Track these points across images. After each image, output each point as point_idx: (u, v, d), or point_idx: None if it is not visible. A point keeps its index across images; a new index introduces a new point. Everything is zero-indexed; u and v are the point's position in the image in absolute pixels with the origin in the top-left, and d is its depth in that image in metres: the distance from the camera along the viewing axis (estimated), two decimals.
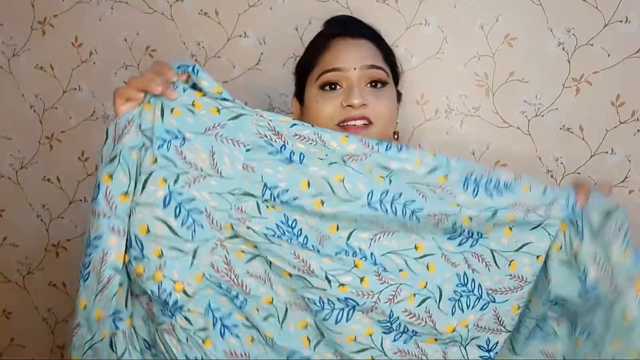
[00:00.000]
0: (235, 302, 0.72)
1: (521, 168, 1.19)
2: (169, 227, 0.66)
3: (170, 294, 0.67)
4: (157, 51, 1.22)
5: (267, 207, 0.70)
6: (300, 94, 0.90)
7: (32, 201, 1.34)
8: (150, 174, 0.65)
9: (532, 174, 1.19)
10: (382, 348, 0.74)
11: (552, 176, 1.19)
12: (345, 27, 0.88)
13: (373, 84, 0.83)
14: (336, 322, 0.72)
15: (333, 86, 0.82)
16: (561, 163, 1.19)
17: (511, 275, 0.75)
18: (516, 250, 0.75)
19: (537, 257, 0.75)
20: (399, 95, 0.93)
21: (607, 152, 1.17)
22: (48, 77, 1.27)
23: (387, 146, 0.71)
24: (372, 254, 0.73)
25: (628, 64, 1.13)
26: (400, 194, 0.72)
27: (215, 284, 0.71)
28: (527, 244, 0.75)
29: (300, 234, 0.71)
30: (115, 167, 0.64)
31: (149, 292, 0.67)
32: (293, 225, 0.71)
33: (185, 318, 0.70)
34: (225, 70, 1.21)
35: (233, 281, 0.71)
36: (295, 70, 0.94)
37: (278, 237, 0.70)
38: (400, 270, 0.74)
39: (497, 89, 1.17)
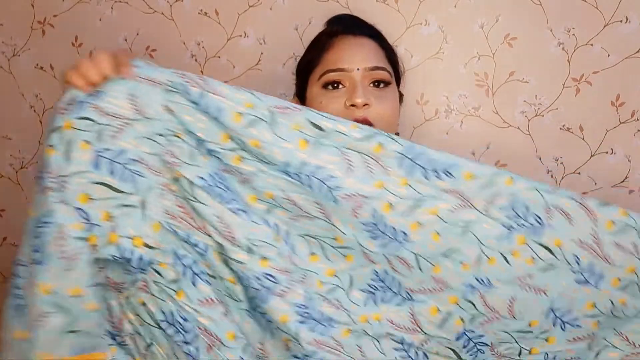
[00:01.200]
0: (197, 249, 0.68)
1: (521, 168, 1.19)
2: (109, 186, 0.63)
3: (132, 251, 0.65)
4: (157, 51, 1.22)
5: (200, 156, 0.67)
6: (301, 93, 0.89)
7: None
8: (70, 142, 0.62)
9: (532, 174, 1.20)
10: (297, 338, 0.70)
11: (552, 176, 1.19)
12: (347, 25, 0.88)
13: (376, 83, 0.83)
14: (263, 302, 0.69)
15: (336, 85, 0.82)
16: (561, 163, 1.19)
17: (434, 277, 0.72)
18: (442, 255, 0.71)
19: (461, 263, 0.71)
20: (400, 96, 0.93)
21: (607, 152, 1.17)
22: (48, 77, 1.27)
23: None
24: (287, 232, 0.70)
25: (628, 64, 1.13)
26: (320, 168, 0.67)
27: (173, 231, 0.68)
28: (455, 250, 0.70)
29: (228, 190, 0.67)
30: (57, 140, 0.62)
31: (110, 258, 0.64)
32: (222, 179, 0.67)
33: (156, 271, 0.67)
34: (225, 70, 1.21)
35: (191, 225, 0.68)
36: (296, 69, 0.93)
37: (207, 189, 0.66)
38: (312, 254, 0.71)
39: (497, 89, 1.17)
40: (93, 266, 0.63)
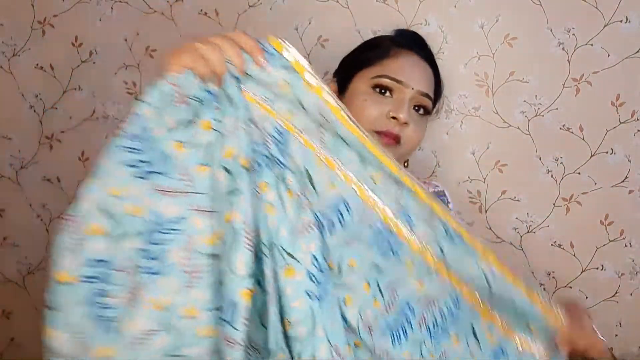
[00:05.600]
0: None
1: (521, 168, 1.19)
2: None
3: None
4: (157, 51, 1.22)
5: None
6: (343, 81, 0.89)
7: (32, 201, 1.34)
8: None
9: (532, 174, 1.20)
10: None
11: (552, 176, 1.19)
12: (416, 43, 0.90)
13: (417, 108, 0.85)
14: None
15: (385, 91, 0.83)
16: (561, 163, 1.19)
17: None
18: None
19: None
20: None
21: (607, 152, 1.17)
22: (48, 77, 1.27)
23: None
24: None
25: (628, 64, 1.13)
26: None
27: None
28: None
29: None
30: (191, 134, 0.55)
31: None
32: None
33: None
34: None
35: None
36: (344, 60, 0.93)
37: None
38: None
39: (497, 89, 1.17)
40: (214, 288, 0.55)
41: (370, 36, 1.14)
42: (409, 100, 0.82)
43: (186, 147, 0.55)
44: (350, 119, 0.64)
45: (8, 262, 1.38)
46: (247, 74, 0.59)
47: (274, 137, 0.61)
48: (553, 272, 1.24)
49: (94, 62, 1.25)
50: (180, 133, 0.54)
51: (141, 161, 0.52)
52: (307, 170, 0.63)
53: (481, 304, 0.73)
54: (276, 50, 0.59)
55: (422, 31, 1.15)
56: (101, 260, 0.51)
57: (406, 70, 0.83)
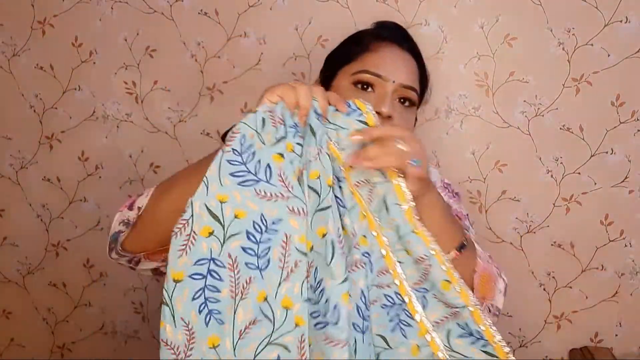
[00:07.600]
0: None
1: (521, 168, 1.19)
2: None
3: None
4: (157, 51, 1.22)
5: None
6: (326, 81, 0.89)
7: (32, 201, 1.34)
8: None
9: (532, 174, 1.20)
10: None
11: (552, 176, 1.19)
12: (396, 35, 0.88)
13: (402, 100, 0.84)
14: None
15: (367, 87, 0.82)
16: (561, 163, 1.19)
17: None
18: None
19: None
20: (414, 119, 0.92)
21: (607, 152, 1.17)
22: (48, 77, 1.27)
23: None
24: None
25: (628, 64, 1.13)
26: None
27: None
28: None
29: None
30: (283, 148, 0.63)
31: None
32: None
33: None
34: (225, 70, 1.21)
35: None
36: (327, 58, 0.93)
37: None
38: None
39: (497, 89, 1.17)
40: (304, 283, 0.62)
41: None
42: (392, 93, 0.82)
43: (285, 158, 0.63)
44: (402, 187, 0.67)
45: (8, 262, 1.38)
46: (327, 119, 0.67)
47: (337, 178, 0.67)
48: (553, 272, 1.24)
49: (94, 62, 1.25)
50: (278, 147, 0.63)
51: (245, 171, 0.61)
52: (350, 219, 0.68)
53: None
54: (358, 108, 0.67)
55: (422, 31, 1.16)
56: (210, 259, 0.59)
57: (387, 64, 0.83)
